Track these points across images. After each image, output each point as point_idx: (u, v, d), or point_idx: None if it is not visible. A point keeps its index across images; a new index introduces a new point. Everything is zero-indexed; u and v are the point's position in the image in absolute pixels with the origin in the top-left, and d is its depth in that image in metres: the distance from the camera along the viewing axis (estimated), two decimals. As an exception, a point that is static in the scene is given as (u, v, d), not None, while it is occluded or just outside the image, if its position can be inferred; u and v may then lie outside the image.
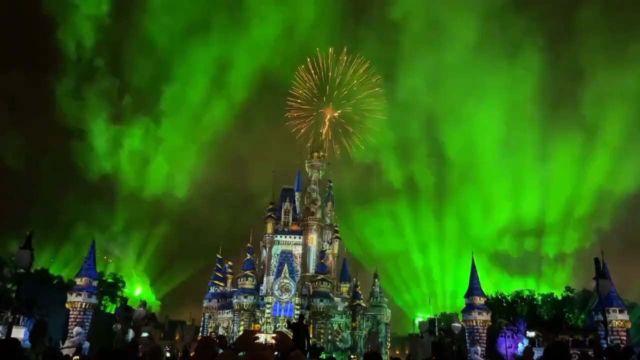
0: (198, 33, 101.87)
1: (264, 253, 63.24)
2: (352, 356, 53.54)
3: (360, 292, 62.57)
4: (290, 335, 21.09)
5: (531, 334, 54.53)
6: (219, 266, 63.39)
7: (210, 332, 57.07)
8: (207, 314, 61.22)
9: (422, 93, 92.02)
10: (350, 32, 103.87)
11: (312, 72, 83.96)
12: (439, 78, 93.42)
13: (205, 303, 61.41)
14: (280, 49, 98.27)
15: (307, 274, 61.14)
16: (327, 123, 74.49)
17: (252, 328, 55.24)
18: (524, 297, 68.37)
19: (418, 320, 79.29)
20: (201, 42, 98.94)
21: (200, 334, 62.64)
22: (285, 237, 63.39)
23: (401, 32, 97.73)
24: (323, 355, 27.46)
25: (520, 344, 57.79)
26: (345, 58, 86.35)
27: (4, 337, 14.74)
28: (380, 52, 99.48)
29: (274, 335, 5.52)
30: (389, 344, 63.11)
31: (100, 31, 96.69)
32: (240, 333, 54.82)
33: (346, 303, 60.92)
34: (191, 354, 14.59)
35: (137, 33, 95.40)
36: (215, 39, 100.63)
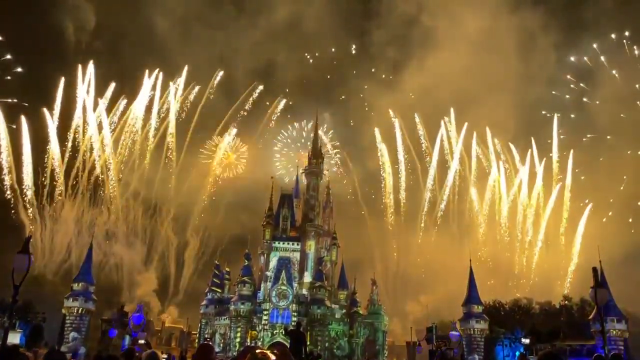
0: (202, 21, 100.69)
1: (262, 259, 63.11)
2: (349, 364, 53.43)
3: (358, 299, 62.45)
4: (288, 342, 21.04)
5: (526, 340, 54.47)
6: (217, 272, 63.24)
7: (207, 339, 56.82)
8: (204, 320, 60.96)
9: (432, 90, 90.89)
10: (359, 25, 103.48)
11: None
12: (448, 75, 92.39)
13: (202, 309, 61.17)
14: (285, 43, 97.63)
15: (305, 280, 61.02)
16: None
17: (249, 335, 55.10)
18: (522, 305, 68.33)
19: (416, 328, 79.05)
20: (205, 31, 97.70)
21: (197, 341, 62.37)
22: (283, 243, 63.27)
23: (412, 26, 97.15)
24: (320, 363, 27.50)
25: (517, 352, 57.63)
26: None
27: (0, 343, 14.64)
28: (390, 46, 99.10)
29: (275, 351, 5.53)
30: (387, 352, 62.90)
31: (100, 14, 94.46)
32: (237, 339, 54.67)
33: (344, 310, 60.76)
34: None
35: (138, 17, 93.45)
36: (219, 28, 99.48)
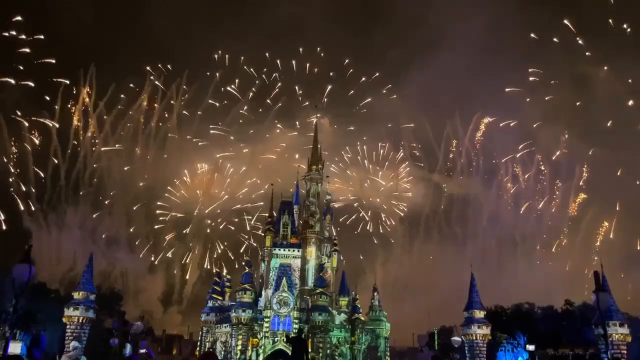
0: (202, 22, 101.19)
1: (263, 266, 63.03)
2: (351, 371, 53.17)
3: (359, 305, 62.24)
4: (289, 349, 20.96)
5: (531, 347, 54.18)
6: (217, 279, 63.19)
7: (211, 348, 56.64)
8: (205, 328, 60.79)
9: (435, 91, 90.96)
10: (361, 25, 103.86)
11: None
12: (451, 78, 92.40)
13: (203, 317, 61.01)
14: (286, 44, 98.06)
15: (306, 287, 60.87)
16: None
17: (251, 342, 54.90)
18: (524, 310, 68.14)
19: (417, 334, 78.78)
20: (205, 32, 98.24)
21: (198, 349, 62.22)
22: (284, 250, 63.16)
23: (416, 26, 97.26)
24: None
25: (520, 358, 57.46)
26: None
27: (1, 353, 14.62)
28: (392, 47, 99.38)
29: None
30: (388, 358, 62.62)
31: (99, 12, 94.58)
32: (239, 347, 54.44)
33: (345, 317, 60.56)
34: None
35: (138, 15, 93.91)
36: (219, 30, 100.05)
